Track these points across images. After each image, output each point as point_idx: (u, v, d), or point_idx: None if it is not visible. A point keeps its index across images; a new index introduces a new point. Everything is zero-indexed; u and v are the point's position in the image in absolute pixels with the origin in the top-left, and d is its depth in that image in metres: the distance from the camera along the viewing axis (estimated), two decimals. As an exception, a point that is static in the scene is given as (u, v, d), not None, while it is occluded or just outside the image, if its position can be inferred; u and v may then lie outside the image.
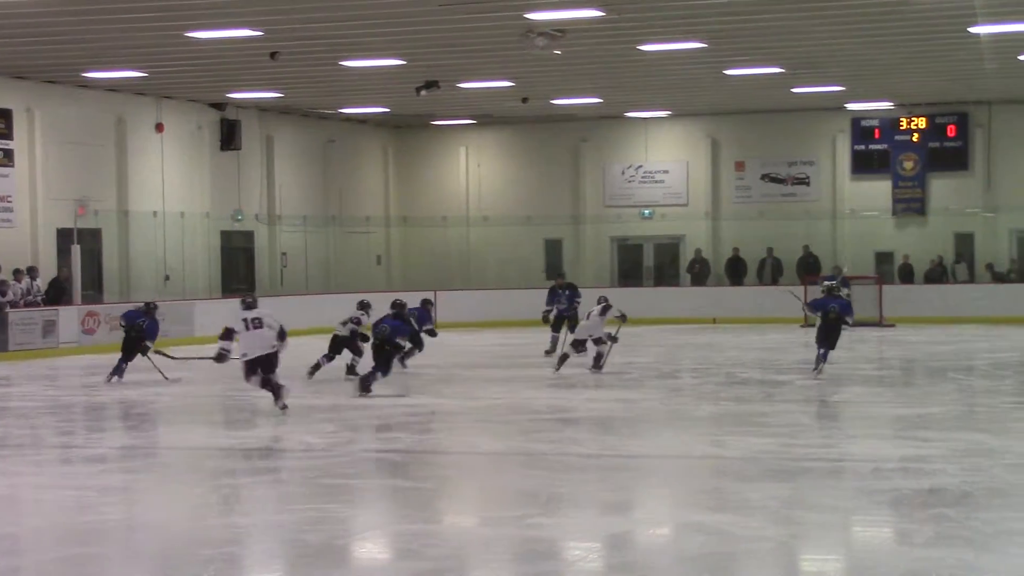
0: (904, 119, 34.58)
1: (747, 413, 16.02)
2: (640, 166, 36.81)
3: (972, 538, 9.04)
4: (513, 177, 37.82)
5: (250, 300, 16.90)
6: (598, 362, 20.69)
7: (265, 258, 33.78)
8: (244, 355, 16.15)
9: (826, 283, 30.45)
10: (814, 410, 16.69)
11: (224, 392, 19.29)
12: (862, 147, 35.15)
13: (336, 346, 20.39)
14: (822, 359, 20.00)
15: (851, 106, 34.25)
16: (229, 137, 32.27)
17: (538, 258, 37.33)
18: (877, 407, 16.72)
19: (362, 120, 36.59)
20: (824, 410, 16.86)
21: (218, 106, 32.00)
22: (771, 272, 34.94)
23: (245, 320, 16.16)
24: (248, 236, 33.53)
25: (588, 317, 21.20)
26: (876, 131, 34.96)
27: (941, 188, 34.64)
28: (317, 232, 35.35)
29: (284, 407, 16.07)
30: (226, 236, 32.83)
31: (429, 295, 23.21)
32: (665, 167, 36.68)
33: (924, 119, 34.45)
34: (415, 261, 37.98)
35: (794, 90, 30.86)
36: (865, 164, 35.09)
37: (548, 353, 23.55)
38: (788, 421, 15.08)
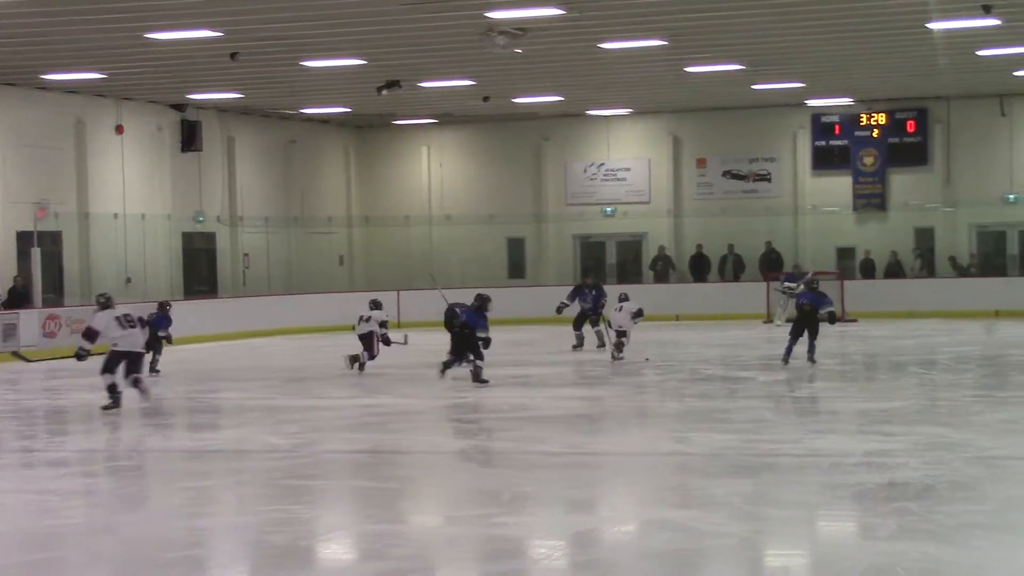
0: (864, 115, 34.71)
1: (711, 409, 16.05)
2: (602, 164, 36.85)
3: (935, 531, 9.08)
4: (475, 176, 37.80)
5: (104, 300, 17.12)
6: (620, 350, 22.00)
7: (227, 259, 33.64)
8: (115, 344, 16.42)
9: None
10: (777, 406, 16.73)
11: (186, 394, 19.21)
12: (823, 143, 35.27)
13: (361, 342, 20.93)
14: (810, 348, 20.52)
15: (811, 102, 34.37)
16: (190, 138, 32.11)
17: (500, 256, 37.35)
18: (840, 402, 16.78)
19: (323, 120, 36.50)
20: (787, 405, 16.90)
21: (178, 107, 31.86)
22: (733, 269, 35.05)
23: (119, 319, 16.58)
24: (210, 237, 33.39)
25: (620, 310, 22.36)
26: (836, 127, 35.09)
27: (901, 183, 34.80)
28: (279, 233, 35.24)
29: (147, 395, 16.65)
30: (187, 238, 32.69)
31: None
32: (627, 165, 36.72)
33: (884, 115, 34.59)
34: (378, 261, 37.91)
35: (755, 87, 30.94)
36: (826, 160, 35.21)
37: (576, 348, 24.54)
38: (751, 417, 15.11)
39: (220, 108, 32.93)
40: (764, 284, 32.56)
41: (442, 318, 20.47)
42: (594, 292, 25.18)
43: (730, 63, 27.34)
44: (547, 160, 37.10)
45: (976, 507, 9.85)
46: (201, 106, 32.17)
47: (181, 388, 19.81)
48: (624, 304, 22.45)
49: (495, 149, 37.62)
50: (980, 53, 26.41)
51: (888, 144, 34.62)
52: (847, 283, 32.15)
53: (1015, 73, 29.25)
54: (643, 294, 32.91)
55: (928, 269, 34.15)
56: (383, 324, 21.08)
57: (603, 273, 36.49)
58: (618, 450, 13.29)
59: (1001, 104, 33.59)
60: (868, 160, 34.78)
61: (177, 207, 32.02)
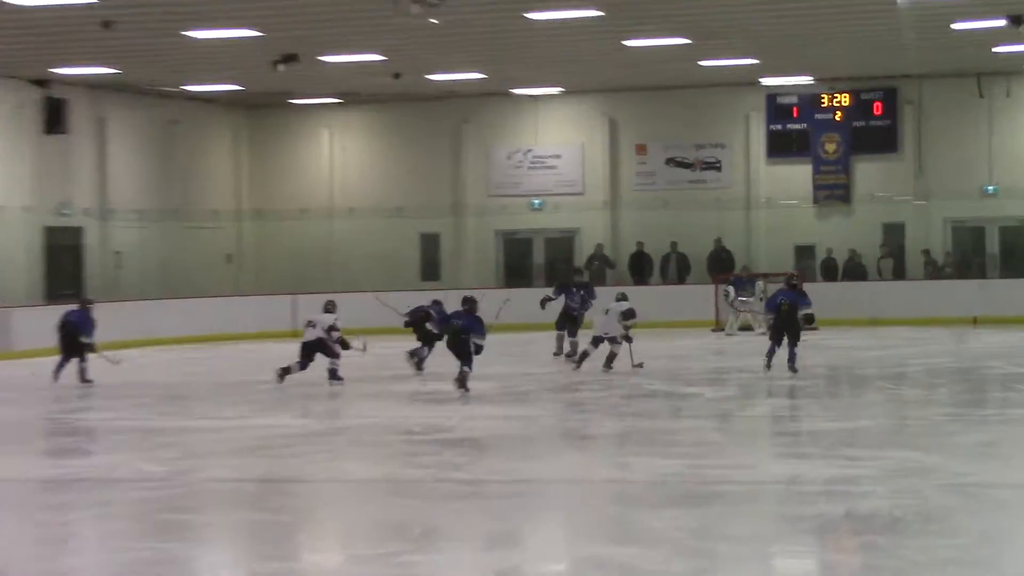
0: (825, 95, 34.92)
1: (653, 430, 16.07)
2: (529, 150, 36.84)
3: (904, 568, 9.11)
4: (383, 163, 37.68)
5: None
6: (610, 362, 22.12)
7: (96, 258, 33.31)
8: None
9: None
10: (727, 426, 16.76)
11: (45, 414, 19.00)
12: (779, 127, 35.44)
13: (307, 352, 21.02)
14: (790, 356, 20.78)
15: (766, 81, 34.52)
16: (54, 119, 31.75)
17: (412, 255, 37.23)
18: (797, 422, 16.85)
19: (210, 99, 36.25)
20: (739, 426, 16.94)
21: (41, 83, 31.51)
22: (676, 269, 35.11)
23: None
24: (76, 233, 33.05)
25: (607, 312, 22.44)
26: (794, 109, 35.27)
27: (867, 173, 35.03)
28: (157, 228, 34.94)
29: None
30: (50, 233, 32.33)
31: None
32: (557, 151, 36.73)
33: (847, 95, 34.82)
34: (271, 260, 37.68)
35: (702, 63, 31.04)
36: (782, 146, 35.38)
37: (557, 355, 24.73)
38: (698, 439, 15.14)
39: (90, 84, 32.61)
40: (712, 287, 32.66)
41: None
42: (583, 292, 25.14)
43: (674, 37, 27.41)
44: (466, 146, 37.04)
45: (950, 541, 9.89)
46: (68, 82, 31.84)
47: (40, 407, 19.57)
48: (612, 306, 22.60)
49: (407, 133, 37.51)
50: (955, 26, 26.63)
51: (852, 128, 34.85)
52: (806, 286, 32.15)
53: (994, 49, 29.49)
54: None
55: (897, 270, 34.37)
56: (331, 329, 21.14)
57: (530, 275, 36.50)
58: (546, 477, 13.25)
59: (979, 84, 33.91)
60: (830, 147, 35.01)
61: (39, 198, 31.67)
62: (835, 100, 34.89)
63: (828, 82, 34.68)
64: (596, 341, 22.41)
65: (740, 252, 34.96)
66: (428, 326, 22.27)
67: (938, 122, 34.47)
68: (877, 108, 34.79)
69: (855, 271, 34.22)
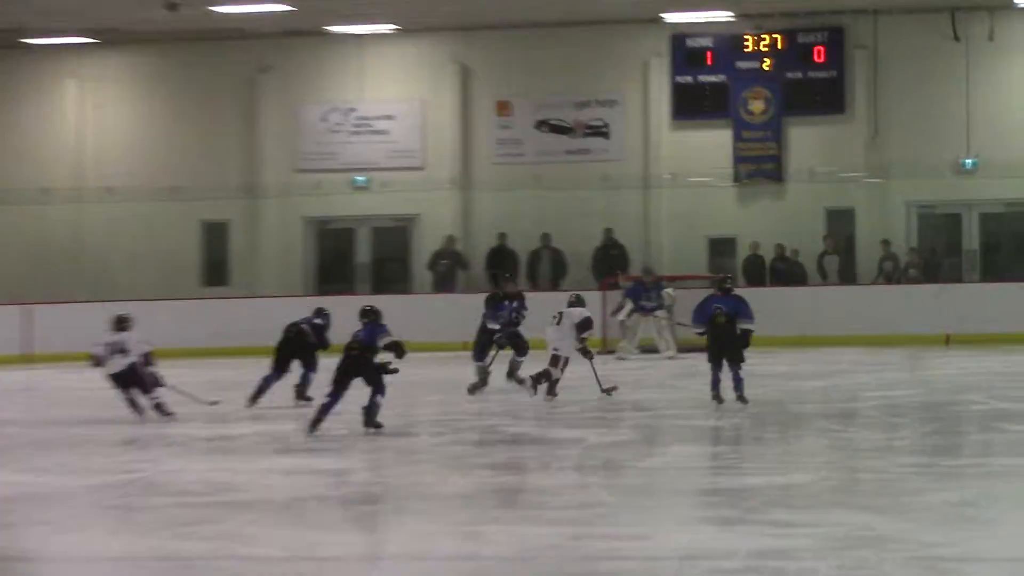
0: (750, 36, 35.18)
1: (515, 489, 16.09)
2: (351, 109, 36.84)
3: (854, 673, 9.18)
4: (152, 127, 37.51)
5: None
6: (537, 382, 23.08)
7: None
8: None
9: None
10: (618, 483, 16.80)
11: None
12: (688, 79, 35.68)
13: (124, 386, 21.42)
14: (735, 385, 21.21)
15: (670, 17, 34.73)
16: None
17: (191, 251, 37.06)
18: (712, 476, 16.92)
19: (-89, 36, 35.92)
20: (631, 481, 16.99)
21: None
22: (550, 271, 35.13)
23: None
24: None
25: (559, 322, 22.94)
26: (708, 54, 35.51)
27: (805, 141, 35.36)
28: None
29: None
30: None
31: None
32: (389, 111, 36.75)
33: (779, 37, 35.12)
34: (-2, 257, 37.41)
35: (585, -8, 31.23)
36: (693, 105, 35.63)
37: (474, 389, 24.67)
38: (578, 500, 15.16)
39: None
40: (599, 294, 32.75)
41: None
42: (515, 304, 24.97)
43: (547, -45, 27.54)
44: (266, 103, 36.98)
45: (914, 634, 10.00)
46: None
47: None
48: (565, 311, 23.01)
49: (184, 86, 37.39)
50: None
51: (786, 81, 35.16)
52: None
53: (973, -24, 29.91)
54: (414, 310, 33.05)
55: (846, 271, 34.64)
56: (148, 362, 21.43)
57: (352, 278, 36.41)
58: (356, 552, 13.23)
59: (953, 22, 34.35)
60: (756, 106, 35.30)
61: None
62: (762, 43, 35.15)
63: (754, 19, 34.98)
64: (556, 361, 22.97)
65: (636, 247, 35.14)
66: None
67: (899, 73, 34.87)
68: (818, 54, 35.14)
69: (789, 272, 34.49)
